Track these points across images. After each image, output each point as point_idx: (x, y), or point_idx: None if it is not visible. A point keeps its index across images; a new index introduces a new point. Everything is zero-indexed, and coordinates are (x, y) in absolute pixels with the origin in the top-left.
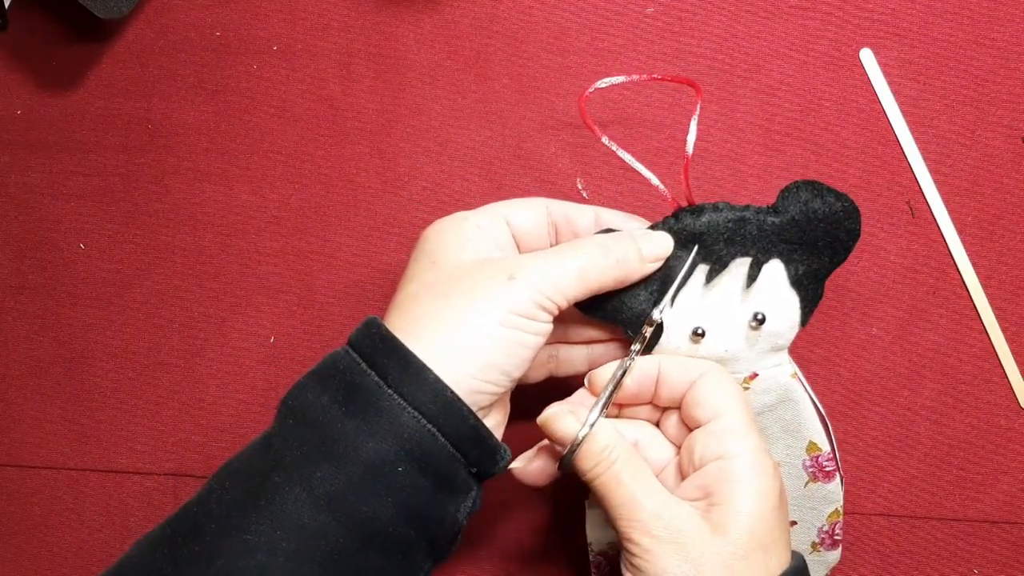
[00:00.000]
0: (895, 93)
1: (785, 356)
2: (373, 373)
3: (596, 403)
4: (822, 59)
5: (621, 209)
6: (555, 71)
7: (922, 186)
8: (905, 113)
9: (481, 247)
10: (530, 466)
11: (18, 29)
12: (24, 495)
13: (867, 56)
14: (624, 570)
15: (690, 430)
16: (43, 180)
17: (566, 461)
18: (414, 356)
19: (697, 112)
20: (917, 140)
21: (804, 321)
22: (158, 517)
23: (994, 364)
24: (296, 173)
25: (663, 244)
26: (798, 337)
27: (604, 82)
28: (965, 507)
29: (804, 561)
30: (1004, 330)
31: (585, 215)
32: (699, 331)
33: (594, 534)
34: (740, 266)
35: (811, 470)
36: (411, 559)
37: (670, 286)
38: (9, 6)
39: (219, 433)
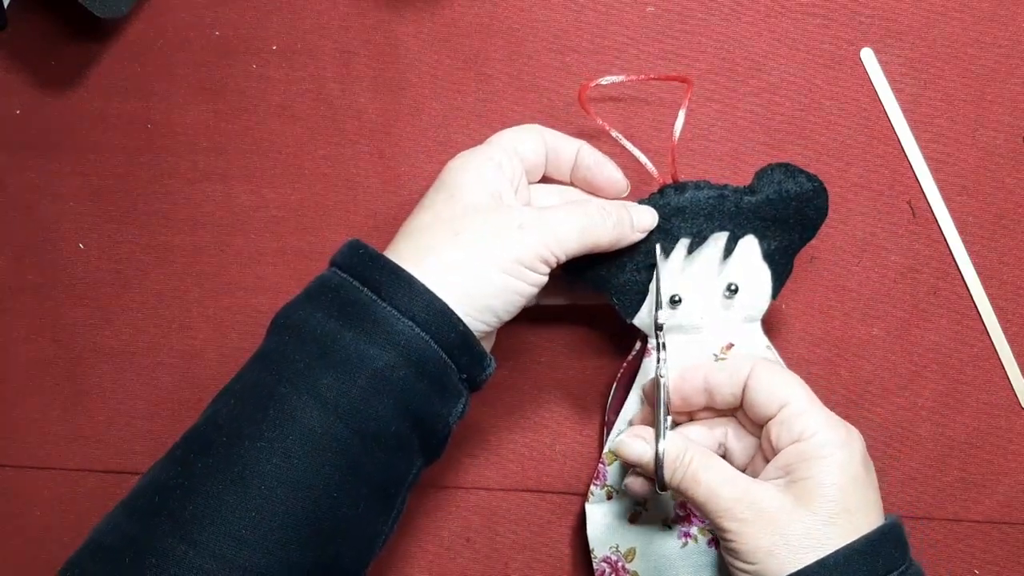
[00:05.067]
0: (896, 93)
1: (759, 328)
2: (366, 289)
3: (657, 423)
4: (823, 59)
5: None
6: (555, 71)
7: (923, 186)
8: (906, 113)
9: (498, 186)
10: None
11: (17, 29)
12: (24, 495)
13: (868, 56)
14: (724, 555)
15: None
16: (42, 180)
17: (658, 482)
18: (402, 269)
19: (686, 103)
20: (918, 140)
21: (775, 293)
22: None
23: (995, 364)
24: (296, 173)
25: (649, 217)
26: (798, 337)
27: (605, 80)
28: (965, 507)
29: (898, 519)
30: (1005, 330)
31: (570, 147)
32: (676, 299)
33: (596, 539)
34: (718, 240)
35: None
36: (408, 455)
37: (652, 257)
38: (8, 6)
39: None
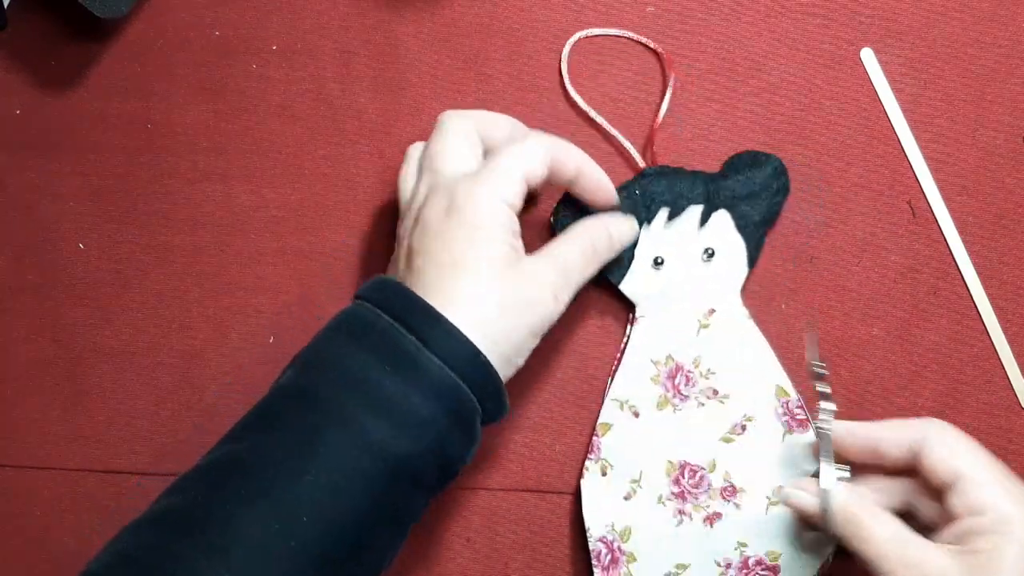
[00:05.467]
0: (896, 93)
1: (739, 298)
2: (411, 336)
3: (822, 475)
4: (823, 59)
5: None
6: (555, 71)
7: (923, 186)
8: (906, 113)
9: (514, 227)
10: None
11: (17, 29)
12: (24, 495)
13: (868, 56)
14: None
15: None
16: (42, 180)
17: (829, 531)
18: (443, 317)
19: (671, 86)
20: (918, 140)
21: (750, 264)
22: None
23: (995, 364)
24: (296, 173)
25: (628, 231)
26: (799, 337)
27: (583, 33)
28: None
29: None
30: (1005, 330)
31: (570, 167)
32: (659, 260)
33: (592, 516)
34: (694, 211)
35: (784, 419)
36: (430, 492)
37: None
38: (8, 6)
39: (219, 433)
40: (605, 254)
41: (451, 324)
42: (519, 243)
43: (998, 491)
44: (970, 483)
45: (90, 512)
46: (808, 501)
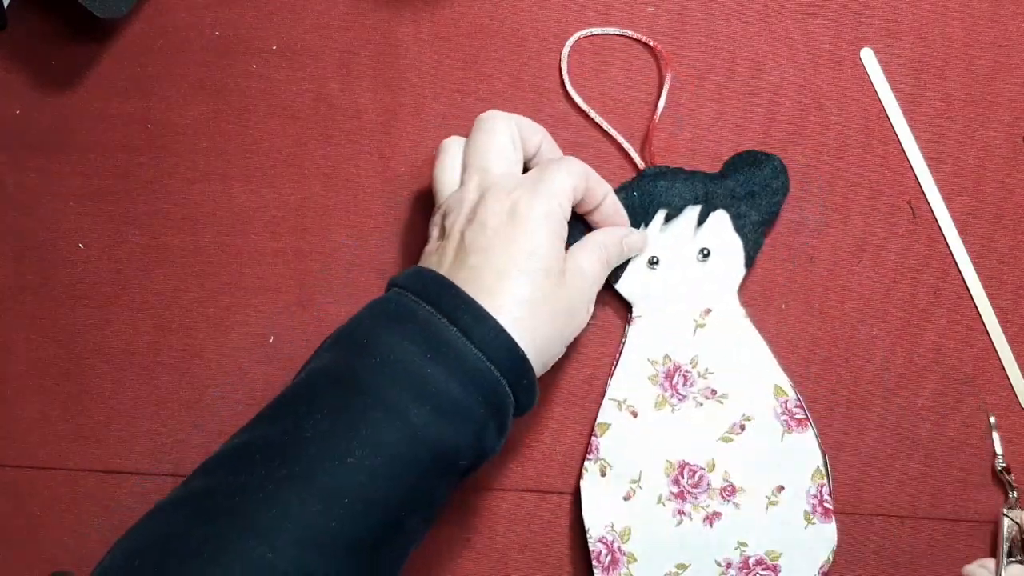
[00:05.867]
0: (896, 93)
1: (735, 298)
2: (454, 328)
3: (998, 557)
4: (823, 59)
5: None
6: (555, 71)
7: (923, 186)
8: (906, 113)
9: (563, 236)
10: None
11: (17, 29)
12: (23, 495)
13: (868, 56)
14: None
15: None
16: (42, 180)
17: None
18: (488, 314)
19: (667, 84)
20: (918, 139)
21: (748, 264)
22: None
23: (994, 364)
24: (296, 173)
25: (639, 243)
26: (798, 337)
27: (582, 32)
28: (965, 507)
29: None
30: (1005, 330)
31: (600, 192)
32: (654, 260)
33: (592, 517)
34: (692, 211)
35: (783, 418)
36: (460, 480)
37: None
38: (8, 6)
39: (219, 433)
40: (615, 263)
41: (495, 321)
42: (565, 255)
43: None
44: None
45: (90, 512)
46: None
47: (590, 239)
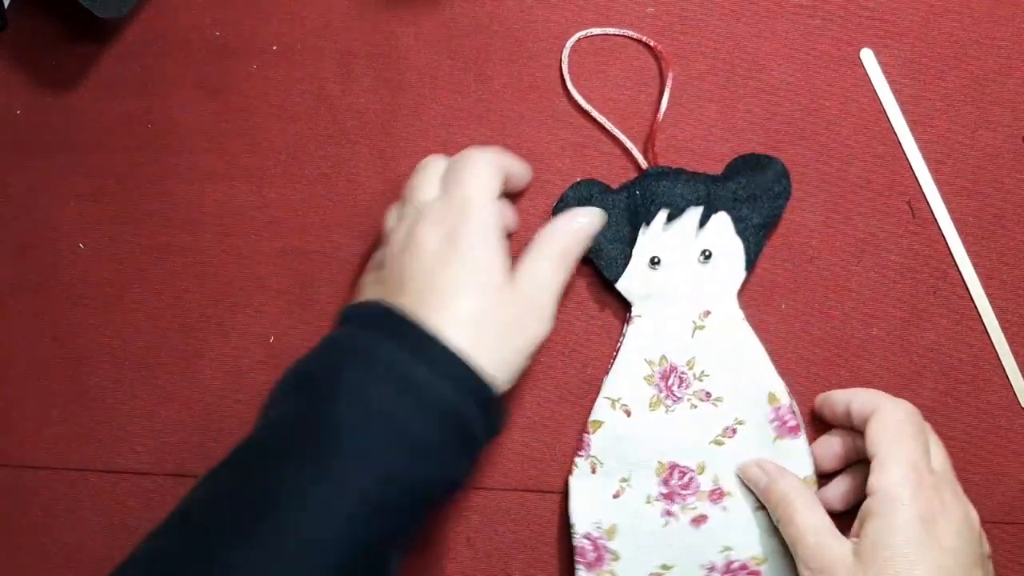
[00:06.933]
0: (895, 93)
1: (735, 300)
2: (414, 360)
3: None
4: (823, 59)
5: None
6: (555, 71)
7: (922, 186)
8: (905, 113)
9: (503, 244)
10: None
11: (18, 29)
12: (23, 495)
13: (868, 56)
14: None
15: None
16: (42, 180)
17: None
18: (437, 338)
19: (669, 84)
20: (917, 140)
21: (748, 267)
22: (157, 517)
23: (994, 364)
24: (296, 173)
25: (593, 221)
26: (798, 337)
27: (583, 33)
28: None
29: None
30: (1005, 330)
31: (524, 175)
32: (655, 260)
33: (578, 513)
34: (694, 212)
35: (775, 423)
36: (433, 506)
37: (636, 221)
38: (8, 6)
39: (219, 434)
40: (576, 251)
41: (448, 344)
42: (509, 266)
43: (892, 471)
44: (878, 462)
45: (90, 512)
46: (756, 478)
47: (535, 240)
